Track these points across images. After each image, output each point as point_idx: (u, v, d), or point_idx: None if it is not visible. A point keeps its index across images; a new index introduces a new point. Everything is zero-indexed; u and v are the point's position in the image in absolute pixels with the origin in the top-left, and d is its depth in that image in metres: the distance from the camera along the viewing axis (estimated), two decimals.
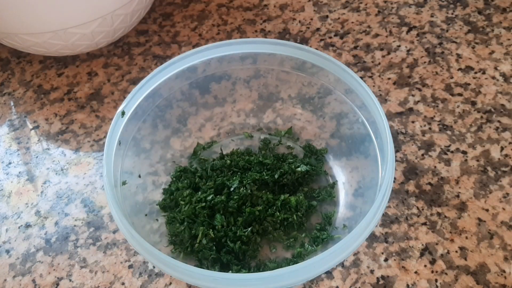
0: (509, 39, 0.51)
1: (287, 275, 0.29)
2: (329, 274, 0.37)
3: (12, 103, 0.52)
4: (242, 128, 0.46)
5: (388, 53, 0.52)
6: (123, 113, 0.38)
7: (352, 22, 0.56)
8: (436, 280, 0.36)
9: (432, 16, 0.55)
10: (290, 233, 0.38)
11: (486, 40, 0.52)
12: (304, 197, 0.39)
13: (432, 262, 0.37)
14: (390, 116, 0.46)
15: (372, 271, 0.37)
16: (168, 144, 0.44)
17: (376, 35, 0.54)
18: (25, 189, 0.45)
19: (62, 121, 0.50)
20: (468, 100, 0.47)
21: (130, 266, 0.39)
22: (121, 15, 0.49)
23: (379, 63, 0.51)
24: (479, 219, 0.39)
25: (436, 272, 0.36)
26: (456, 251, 0.37)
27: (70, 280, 0.38)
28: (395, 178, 0.42)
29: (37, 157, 0.47)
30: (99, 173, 0.45)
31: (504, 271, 0.36)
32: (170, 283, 0.37)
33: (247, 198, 0.38)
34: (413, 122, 0.45)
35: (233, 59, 0.42)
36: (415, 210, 0.40)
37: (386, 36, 0.54)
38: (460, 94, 0.47)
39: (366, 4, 0.58)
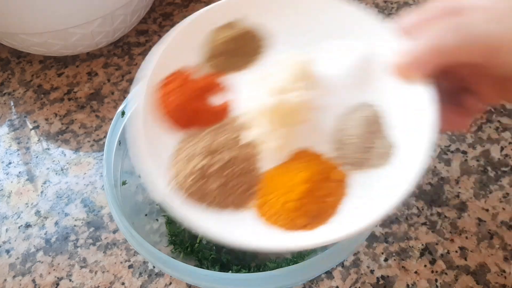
0: None
1: (287, 275, 0.29)
2: (329, 274, 0.37)
3: (12, 103, 0.52)
4: None
5: None
6: (123, 113, 0.38)
7: None
8: (436, 280, 0.36)
9: None
10: None
11: None
12: None
13: (432, 262, 0.37)
14: None
15: (372, 271, 0.37)
16: None
17: None
18: (25, 189, 0.45)
19: (62, 121, 0.50)
20: None
21: (130, 266, 0.39)
22: (121, 15, 0.49)
23: None
24: (479, 219, 0.39)
25: (436, 272, 0.36)
26: (456, 251, 0.37)
27: (70, 280, 0.38)
28: None
29: (37, 157, 0.47)
30: (99, 173, 0.45)
31: (504, 271, 0.36)
32: (170, 283, 0.37)
33: None
34: None
35: None
36: (415, 210, 0.40)
37: None
38: None
39: (366, 4, 0.58)
